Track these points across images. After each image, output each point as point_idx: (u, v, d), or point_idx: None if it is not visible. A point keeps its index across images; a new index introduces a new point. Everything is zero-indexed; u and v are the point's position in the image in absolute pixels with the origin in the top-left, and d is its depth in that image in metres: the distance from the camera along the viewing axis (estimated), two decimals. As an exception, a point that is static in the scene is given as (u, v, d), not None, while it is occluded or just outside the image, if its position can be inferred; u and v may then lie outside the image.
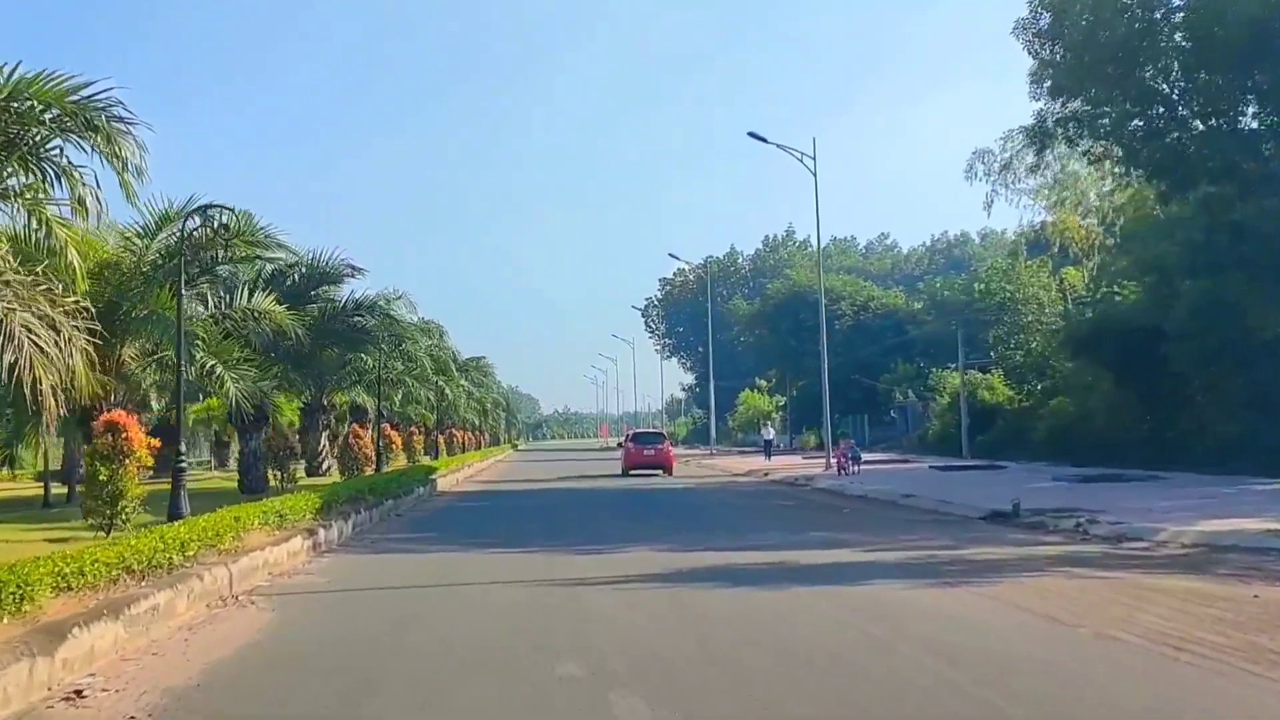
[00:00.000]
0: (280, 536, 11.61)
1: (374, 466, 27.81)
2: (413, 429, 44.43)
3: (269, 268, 22.82)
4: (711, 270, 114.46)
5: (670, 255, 60.93)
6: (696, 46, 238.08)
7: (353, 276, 24.05)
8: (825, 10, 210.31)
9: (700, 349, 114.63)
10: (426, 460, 41.14)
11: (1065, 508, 16.19)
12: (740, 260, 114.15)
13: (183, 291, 12.65)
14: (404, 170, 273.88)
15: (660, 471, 34.63)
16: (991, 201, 39.94)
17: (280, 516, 11.89)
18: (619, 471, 36.11)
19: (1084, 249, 37.57)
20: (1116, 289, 32.61)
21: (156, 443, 14.06)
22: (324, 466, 31.10)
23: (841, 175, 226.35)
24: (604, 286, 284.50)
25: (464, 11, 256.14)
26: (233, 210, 12.47)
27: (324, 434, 31.55)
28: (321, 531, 13.25)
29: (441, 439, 51.86)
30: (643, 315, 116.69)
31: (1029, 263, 39.55)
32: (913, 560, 11.35)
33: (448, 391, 39.96)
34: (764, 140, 34.54)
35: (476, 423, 68.24)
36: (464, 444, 62.17)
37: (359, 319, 24.54)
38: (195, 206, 12.66)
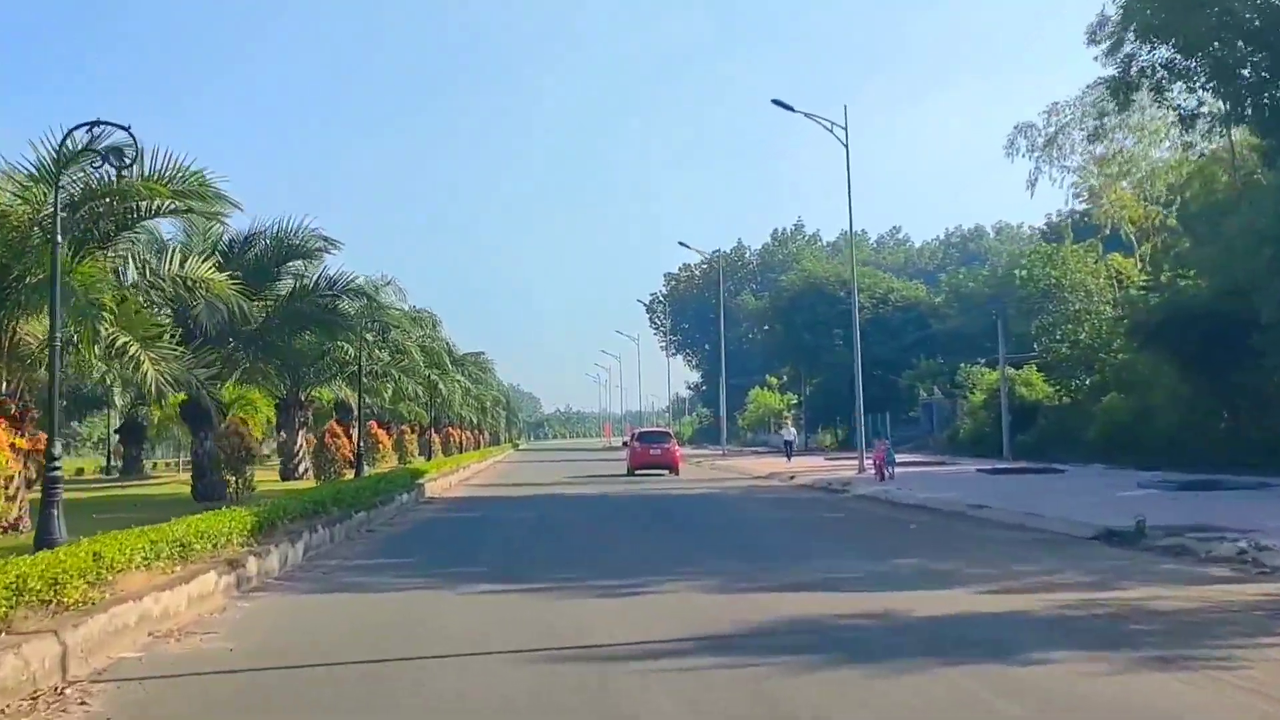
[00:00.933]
0: (182, 574, 8.34)
1: (355, 470, 24.52)
2: (404, 428, 41.17)
3: (226, 236, 19.57)
4: (720, 263, 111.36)
5: (681, 244, 57.42)
6: (698, 43, 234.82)
7: (327, 251, 20.75)
8: (825, 7, 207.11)
9: (707, 346, 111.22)
10: (418, 462, 37.87)
11: (1199, 526, 12.93)
12: (748, 255, 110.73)
13: (59, 238, 9.35)
14: (403, 169, 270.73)
15: (667, 471, 33.57)
16: (1035, 180, 36.84)
17: (183, 546, 8.60)
18: (624, 472, 34.48)
19: (1141, 230, 34.23)
20: (1180, 273, 29.30)
21: (24, 443, 10.74)
22: (300, 469, 27.82)
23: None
24: (607, 284, 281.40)
25: (465, 7, 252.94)
26: (128, 129, 9.25)
27: (301, 433, 28.24)
28: (253, 562, 9.98)
29: (436, 438, 48.57)
30: (647, 311, 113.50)
31: (1075, 246, 36.19)
32: (1068, 610, 8.05)
33: (441, 387, 36.67)
34: (790, 108, 31.24)
35: (475, 421, 64.94)
36: (461, 444, 58.89)
37: (335, 300, 21.17)
38: (80, 125, 9.42)
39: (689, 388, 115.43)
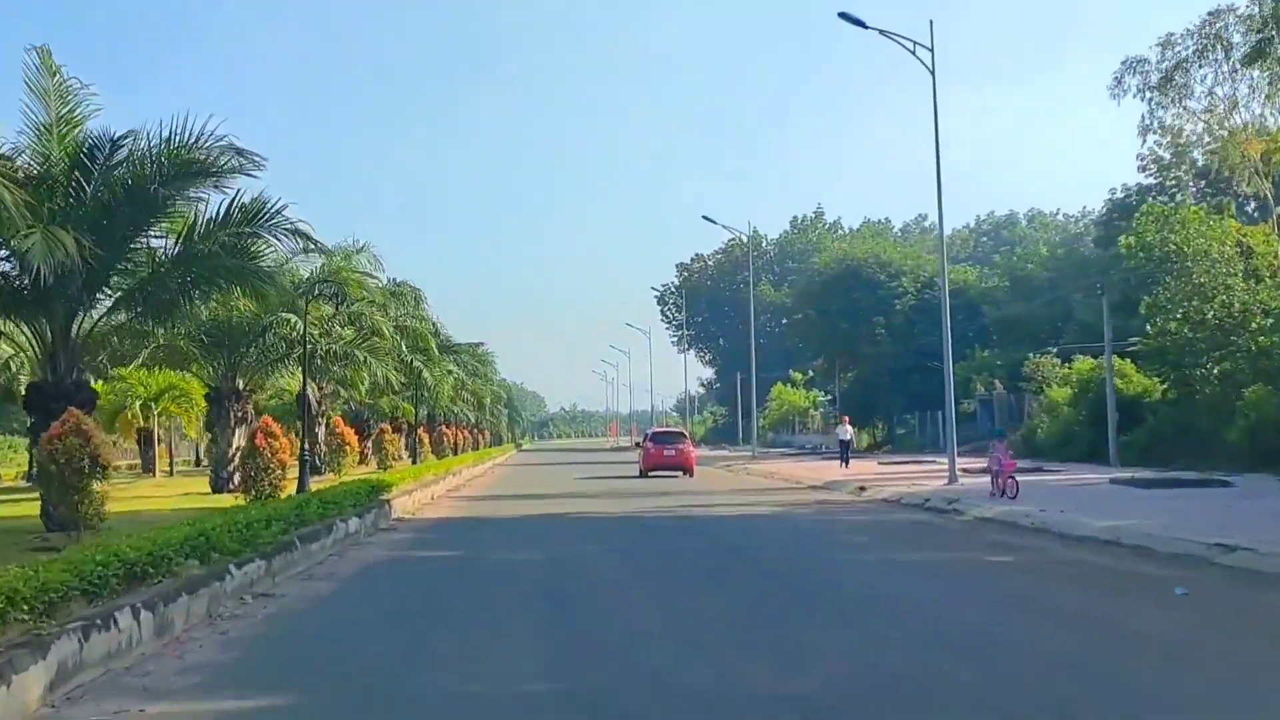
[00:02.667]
0: None
1: (299, 482, 18.20)
2: (384, 426, 34.88)
3: (87, 136, 13.24)
4: (734, 254, 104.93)
5: (705, 218, 51.40)
6: (710, 36, 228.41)
7: (243, 172, 14.37)
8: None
9: (721, 340, 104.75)
10: (400, 466, 31.61)
11: None
12: (765, 244, 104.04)
13: None
14: (403, 167, 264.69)
15: (681, 473, 32.41)
16: (1150, 125, 30.35)
17: None
18: (640, 475, 32.73)
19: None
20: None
21: None
22: (235, 479, 21.45)
23: (873, 156, 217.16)
24: (614, 280, 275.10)
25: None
26: None
27: (239, 432, 21.85)
28: None
29: (427, 438, 42.29)
30: (659, 302, 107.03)
31: (1196, 208, 29.69)
32: None
33: (426, 375, 30.39)
34: (862, 25, 24.80)
35: (472, 419, 58.56)
36: (457, 444, 52.56)
37: (251, 241, 14.74)
38: None
39: (702, 384, 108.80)
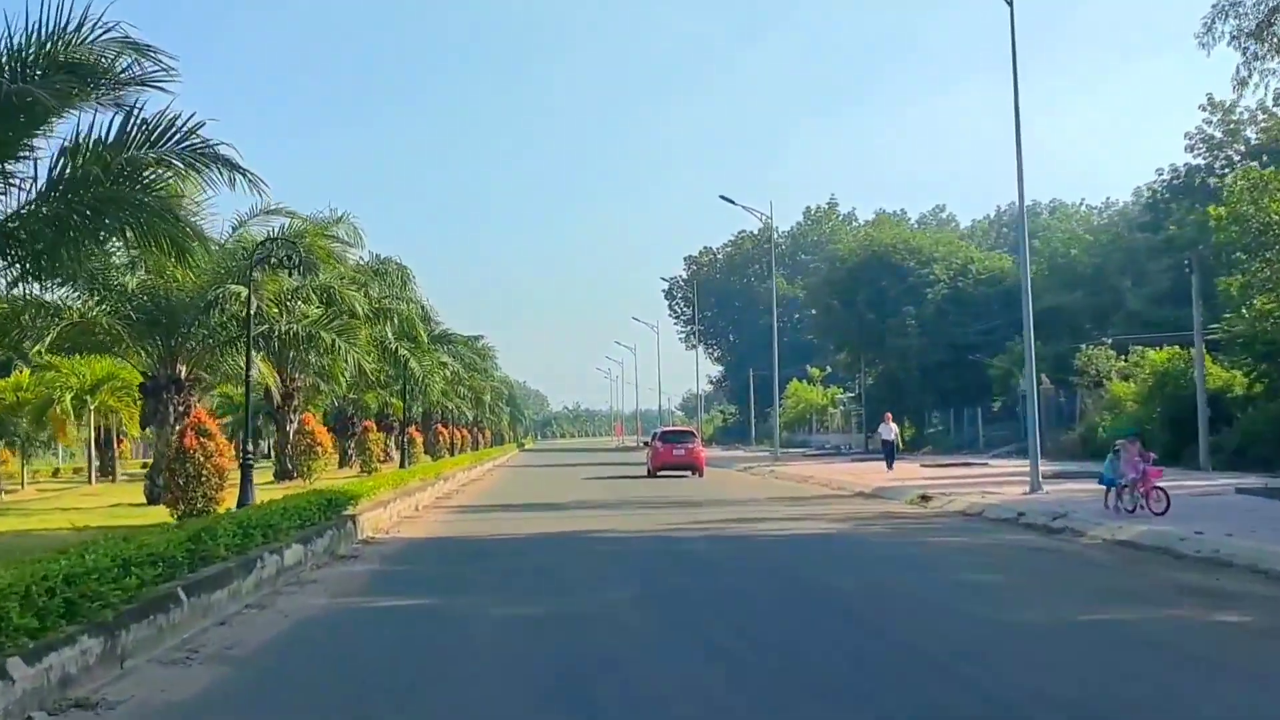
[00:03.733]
0: None
1: (240, 493, 14.35)
2: (368, 424, 31.02)
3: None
4: (744, 246, 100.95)
5: (723, 198, 47.16)
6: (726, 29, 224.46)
7: (150, 84, 10.55)
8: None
9: (731, 336, 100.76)
10: (385, 470, 27.80)
11: None
12: (776, 235, 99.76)
13: None
14: (404, 166, 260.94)
15: (690, 472, 31.97)
16: (1247, 76, 26.39)
17: None
18: (648, 475, 32.39)
19: None
20: None
21: None
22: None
23: (888, 147, 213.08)
24: (613, 279, 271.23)
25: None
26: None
27: (177, 429, 17.95)
28: None
29: (418, 438, 38.39)
30: (666, 296, 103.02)
31: (1294, 173, 25.73)
32: None
33: (414, 366, 26.54)
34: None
35: (469, 416, 54.67)
36: (453, 444, 48.67)
37: (155, 171, 10.82)
38: None
39: (711, 382, 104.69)
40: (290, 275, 16.18)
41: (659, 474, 31.96)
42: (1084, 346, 38.59)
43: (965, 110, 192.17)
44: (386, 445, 35.97)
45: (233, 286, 16.77)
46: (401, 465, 29.08)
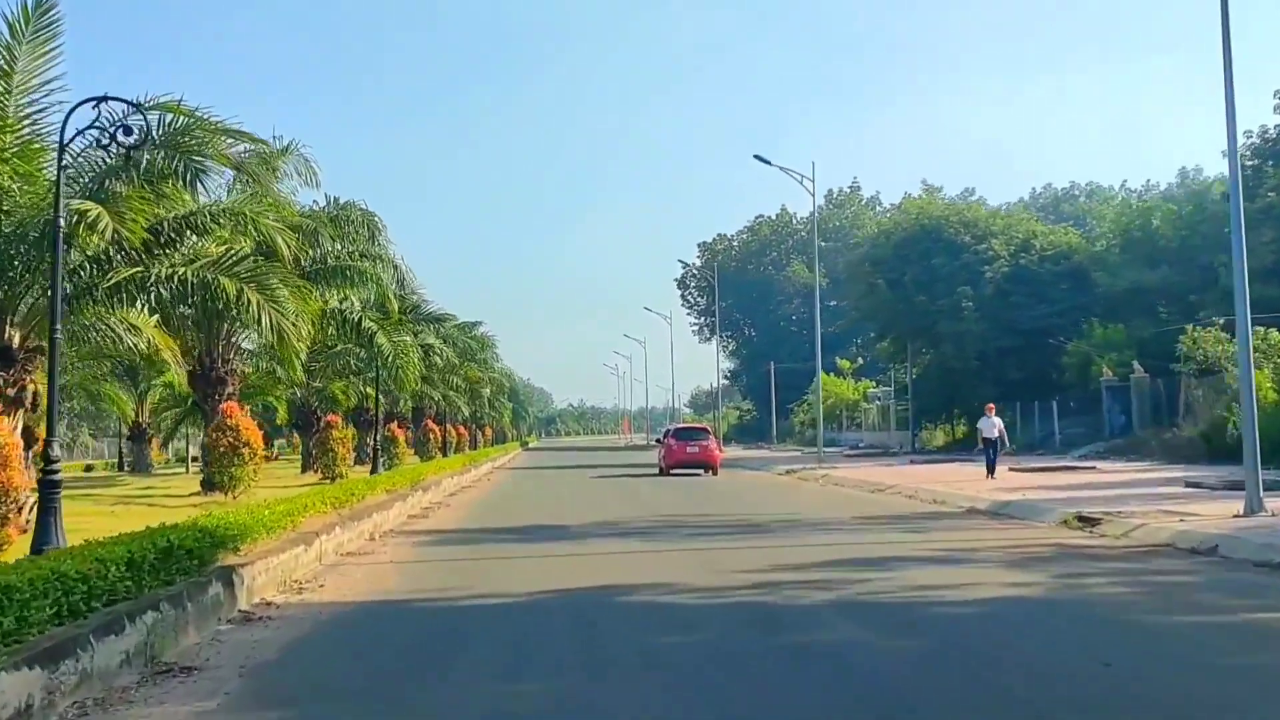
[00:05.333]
0: None
1: (38, 536, 8.44)
2: (331, 418, 25.07)
3: None
4: (761, 233, 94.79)
5: (757, 157, 40.72)
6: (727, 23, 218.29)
7: None
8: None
9: (749, 330, 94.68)
10: (358, 475, 21.90)
11: None
12: (795, 221, 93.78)
13: None
14: (402, 164, 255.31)
15: (703, 471, 31.50)
16: None
17: None
18: (660, 473, 31.82)
19: None
20: None
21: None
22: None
23: (916, 132, 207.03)
24: (617, 275, 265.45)
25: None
26: None
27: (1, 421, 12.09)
28: None
29: (401, 435, 32.52)
30: (679, 286, 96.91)
31: None
32: None
33: (381, 343, 20.62)
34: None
35: (465, 412, 48.71)
36: (447, 442, 42.78)
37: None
38: None
39: (726, 377, 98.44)
40: (130, 160, 10.17)
41: (672, 472, 31.39)
42: (1189, 328, 32.58)
43: (988, 98, 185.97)
44: (361, 444, 30.15)
45: (78, 204, 10.91)
46: (373, 471, 23.26)
